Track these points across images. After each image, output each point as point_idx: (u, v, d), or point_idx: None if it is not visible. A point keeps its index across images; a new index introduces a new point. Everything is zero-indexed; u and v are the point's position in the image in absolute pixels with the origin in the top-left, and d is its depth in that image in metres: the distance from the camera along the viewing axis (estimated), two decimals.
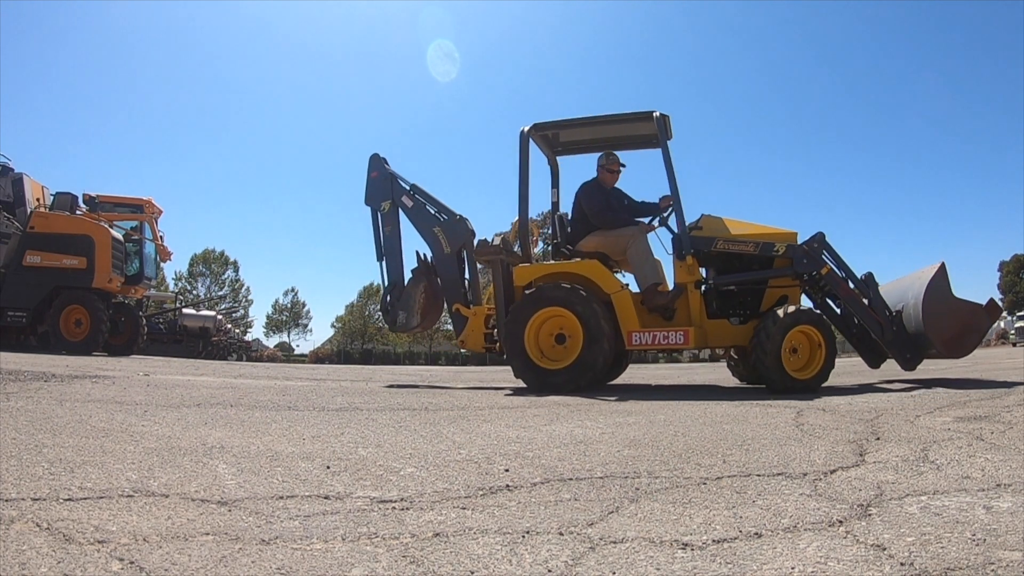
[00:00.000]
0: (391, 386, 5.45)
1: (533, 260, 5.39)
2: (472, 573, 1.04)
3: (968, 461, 1.85)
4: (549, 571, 1.05)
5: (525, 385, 4.88)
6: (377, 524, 1.29)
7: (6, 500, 1.35)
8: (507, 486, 1.63)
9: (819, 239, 4.83)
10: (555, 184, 6.00)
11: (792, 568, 1.04)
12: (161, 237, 12.93)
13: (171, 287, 37.42)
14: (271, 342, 44.60)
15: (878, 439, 2.27)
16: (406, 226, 6.20)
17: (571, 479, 1.71)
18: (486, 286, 5.98)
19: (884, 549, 1.12)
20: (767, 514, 1.36)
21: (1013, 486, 1.55)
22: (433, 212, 6.03)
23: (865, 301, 4.73)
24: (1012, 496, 1.46)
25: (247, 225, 71.86)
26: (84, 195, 11.47)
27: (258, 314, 53.30)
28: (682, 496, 1.53)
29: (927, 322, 4.47)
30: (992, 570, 1.01)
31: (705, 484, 1.65)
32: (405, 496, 1.52)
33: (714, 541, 1.19)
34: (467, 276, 5.92)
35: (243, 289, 43.59)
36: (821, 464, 1.87)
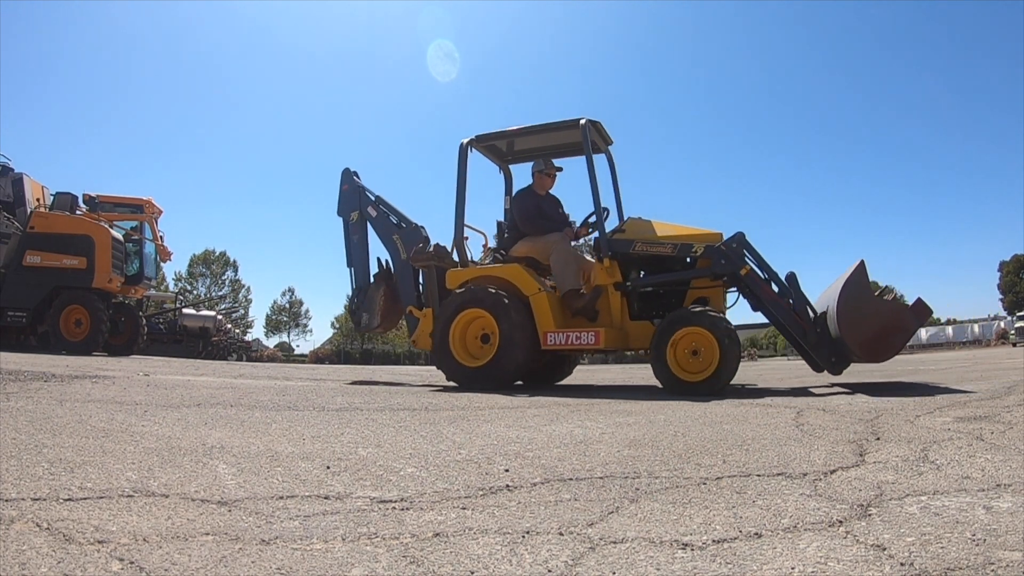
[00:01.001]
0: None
1: (468, 265, 5.57)
2: (472, 573, 1.04)
3: (968, 461, 1.85)
4: (549, 571, 1.05)
5: (452, 382, 5.16)
6: (377, 524, 1.29)
7: (6, 500, 1.35)
8: (507, 486, 1.63)
9: (739, 239, 4.77)
10: (508, 192, 6.20)
11: (792, 568, 1.04)
12: (161, 237, 12.93)
13: (171, 287, 37.46)
14: (271, 342, 44.65)
15: (878, 439, 2.27)
16: (373, 235, 6.64)
17: (571, 479, 1.71)
18: None
19: (884, 549, 1.12)
20: (767, 514, 1.36)
21: (1013, 486, 1.55)
22: (394, 221, 6.49)
23: (790, 301, 4.65)
24: (1012, 496, 1.46)
25: (247, 225, 72.03)
26: (84, 195, 11.47)
27: (258, 314, 53.33)
28: (682, 496, 1.53)
29: (842, 324, 4.28)
30: (992, 570, 1.01)
31: (705, 484, 1.65)
32: (405, 496, 1.52)
33: (714, 541, 1.19)
34: (421, 280, 6.23)
35: (243, 289, 43.67)
36: (821, 464, 1.87)
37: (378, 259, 6.57)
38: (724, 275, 4.78)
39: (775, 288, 4.71)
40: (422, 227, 6.39)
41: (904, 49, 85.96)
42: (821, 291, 5.29)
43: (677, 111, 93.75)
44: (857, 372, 4.88)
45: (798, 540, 1.18)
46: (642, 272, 5.13)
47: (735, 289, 4.95)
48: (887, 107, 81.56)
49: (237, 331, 30.38)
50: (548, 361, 5.84)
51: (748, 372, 8.87)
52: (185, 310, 20.18)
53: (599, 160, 5.55)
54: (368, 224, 6.60)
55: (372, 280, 6.54)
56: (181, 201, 64.81)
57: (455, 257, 5.63)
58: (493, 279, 5.11)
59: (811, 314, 4.66)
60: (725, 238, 4.82)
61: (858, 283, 4.36)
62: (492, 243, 5.97)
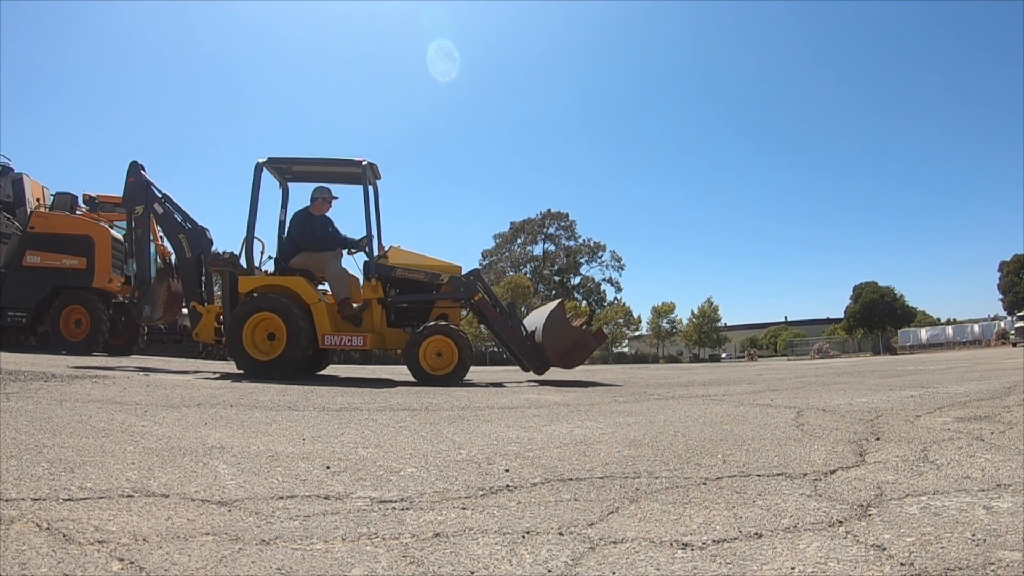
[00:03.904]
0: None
1: (256, 273, 6.34)
2: (472, 573, 1.04)
3: (968, 461, 1.85)
4: (549, 571, 1.05)
5: (241, 371, 5.87)
6: (377, 524, 1.29)
7: (6, 500, 1.35)
8: (507, 486, 1.63)
9: (475, 274, 6.48)
10: (284, 206, 6.90)
11: (792, 568, 1.04)
12: (161, 237, 12.89)
13: None
14: None
15: (878, 439, 2.27)
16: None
17: (571, 479, 1.71)
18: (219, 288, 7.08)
19: (884, 549, 1.12)
20: (767, 514, 1.36)
21: (1013, 486, 1.55)
22: (180, 220, 6.81)
23: (508, 322, 6.38)
24: (1012, 496, 1.46)
25: (246, 225, 71.91)
26: (84, 195, 11.43)
27: None
28: (682, 496, 1.53)
29: (545, 341, 6.15)
30: (992, 570, 1.01)
31: (705, 484, 1.65)
32: (405, 496, 1.52)
33: (714, 541, 1.19)
34: (203, 278, 6.73)
35: None
36: (821, 464, 1.87)
37: (162, 257, 7.01)
38: (462, 299, 6.32)
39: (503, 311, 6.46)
40: (206, 229, 6.87)
41: (904, 49, 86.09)
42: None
43: (676, 111, 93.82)
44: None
45: (798, 540, 1.18)
46: (399, 291, 6.41)
47: (468, 309, 6.53)
48: (887, 107, 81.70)
49: None
50: (312, 356, 6.87)
51: (722, 373, 8.87)
52: (185, 310, 20.07)
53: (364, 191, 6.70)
54: (152, 219, 6.94)
55: (155, 274, 7.06)
56: (181, 201, 64.75)
57: (243, 263, 6.32)
58: (280, 288, 6.01)
59: (524, 331, 6.39)
60: (465, 271, 6.39)
61: (557, 316, 6.36)
62: (269, 252, 6.56)
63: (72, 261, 9.96)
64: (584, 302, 45.57)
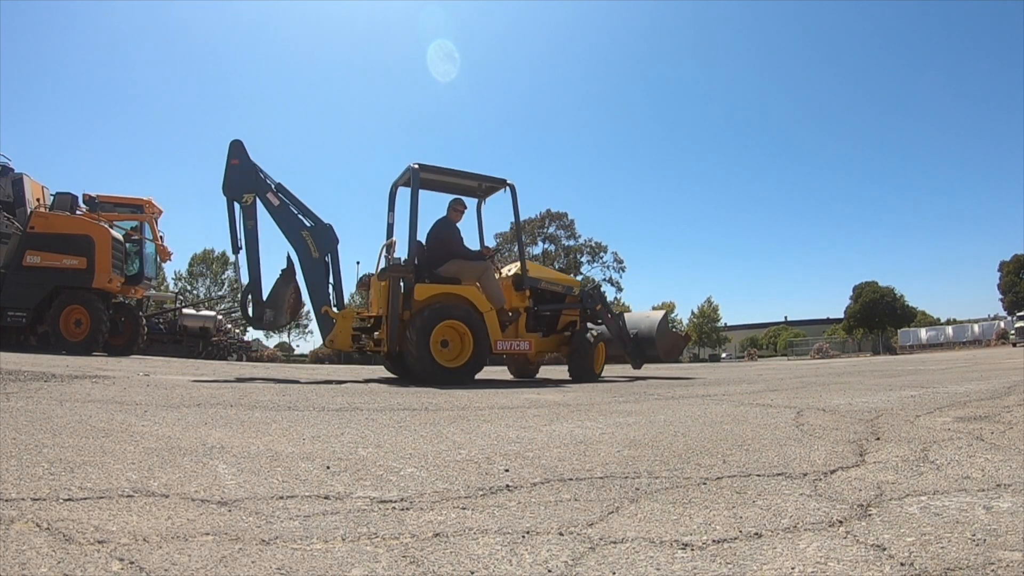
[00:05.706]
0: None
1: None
2: (472, 573, 1.04)
3: (968, 461, 1.85)
4: (549, 571, 1.05)
5: (421, 377, 5.86)
6: (377, 524, 1.29)
7: (6, 500, 1.35)
8: (507, 486, 1.63)
9: (597, 288, 7.97)
10: (392, 208, 6.94)
11: (792, 568, 1.04)
12: (161, 237, 12.91)
13: (171, 287, 37.42)
14: (271, 342, 44.57)
15: (878, 439, 2.27)
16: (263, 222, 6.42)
17: (571, 479, 1.71)
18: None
19: (884, 549, 1.12)
20: (767, 514, 1.36)
21: (1013, 486, 1.55)
22: (298, 214, 6.40)
23: (619, 325, 7.65)
24: (1012, 496, 1.46)
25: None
26: (84, 195, 11.44)
27: None
28: (682, 496, 1.53)
29: (657, 341, 7.93)
30: (992, 570, 1.01)
31: (705, 484, 1.65)
32: (405, 496, 1.52)
33: (714, 541, 1.19)
34: (331, 280, 6.50)
35: (242, 289, 43.53)
36: (821, 464, 1.87)
37: (288, 255, 6.62)
38: (589, 309, 7.43)
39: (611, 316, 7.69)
40: (332, 226, 6.47)
41: (905, 49, 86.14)
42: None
43: (676, 110, 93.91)
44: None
45: (798, 540, 1.18)
46: (534, 301, 7.14)
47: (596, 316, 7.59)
48: (887, 107, 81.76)
49: (237, 331, 30.29)
50: None
51: (714, 372, 8.88)
52: (185, 310, 20.06)
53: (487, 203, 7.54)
54: (262, 209, 6.35)
55: (280, 276, 6.61)
56: (181, 201, 64.85)
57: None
58: (457, 296, 6.24)
59: (628, 334, 7.79)
60: (594, 283, 7.81)
61: (664, 323, 8.34)
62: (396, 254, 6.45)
63: (72, 261, 9.97)
64: None
